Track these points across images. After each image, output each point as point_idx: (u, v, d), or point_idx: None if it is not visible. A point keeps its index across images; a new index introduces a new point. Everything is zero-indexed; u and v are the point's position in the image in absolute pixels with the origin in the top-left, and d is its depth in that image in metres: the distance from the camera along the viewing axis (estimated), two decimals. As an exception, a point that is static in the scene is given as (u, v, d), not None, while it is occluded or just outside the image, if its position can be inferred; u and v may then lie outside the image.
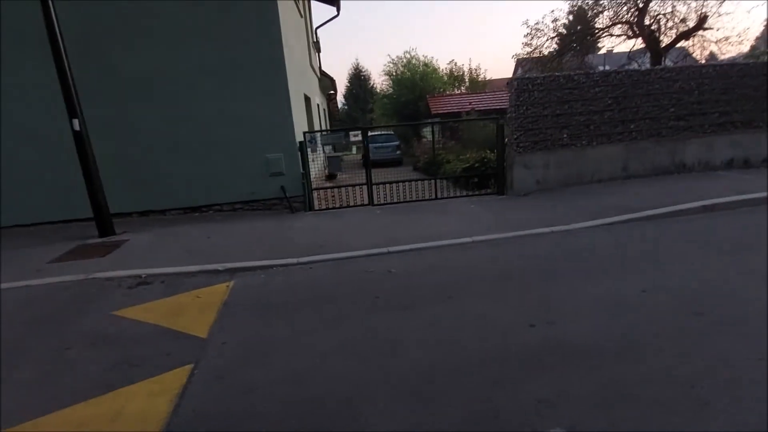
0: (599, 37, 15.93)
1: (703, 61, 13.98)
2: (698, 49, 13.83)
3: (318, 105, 14.17)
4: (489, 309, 3.41)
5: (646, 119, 7.60)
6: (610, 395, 2.32)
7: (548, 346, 2.82)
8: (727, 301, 3.24)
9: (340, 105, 46.79)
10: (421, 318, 3.36)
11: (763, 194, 5.95)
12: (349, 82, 44.23)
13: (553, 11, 18.75)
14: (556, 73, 7.32)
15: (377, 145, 17.59)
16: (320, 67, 15.82)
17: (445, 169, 10.48)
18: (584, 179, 7.62)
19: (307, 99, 10.49)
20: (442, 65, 27.81)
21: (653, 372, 2.48)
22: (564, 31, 15.25)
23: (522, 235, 5.23)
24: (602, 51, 25.98)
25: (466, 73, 23.30)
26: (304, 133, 7.21)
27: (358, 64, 42.66)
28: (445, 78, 22.48)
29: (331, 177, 13.41)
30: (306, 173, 7.19)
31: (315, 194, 7.60)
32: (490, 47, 76.35)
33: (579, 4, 13.30)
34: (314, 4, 13.74)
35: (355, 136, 7.10)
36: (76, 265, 5.06)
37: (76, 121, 5.78)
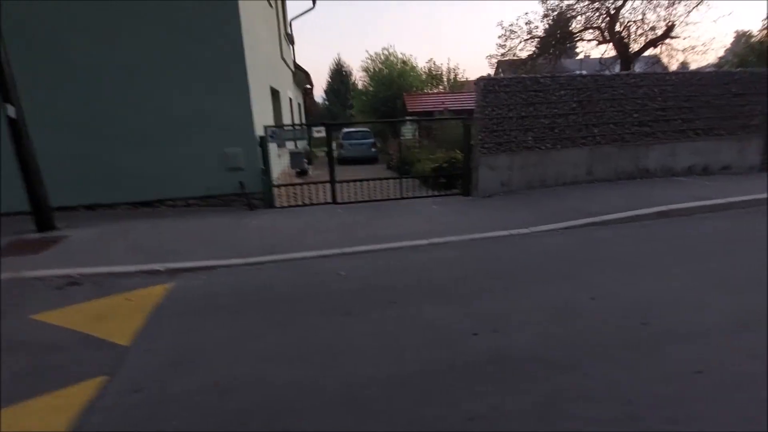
0: (572, 42, 16.15)
1: (674, 69, 14.37)
2: (666, 56, 14.21)
3: (291, 99, 13.83)
4: (434, 315, 3.27)
5: (610, 124, 7.65)
6: (545, 411, 2.21)
7: (489, 356, 2.70)
8: (674, 310, 3.20)
9: (320, 100, 46.36)
10: (363, 324, 3.20)
11: (718, 200, 6.05)
12: (330, 77, 43.72)
13: (527, 13, 18.95)
14: (522, 75, 7.27)
15: (352, 141, 17.34)
16: (294, 61, 15.46)
17: (417, 169, 10.38)
18: (548, 182, 7.62)
19: (276, 92, 10.18)
20: (421, 63, 27.84)
21: (591, 386, 2.39)
22: (542, 34, 15.35)
23: (480, 237, 5.14)
24: (580, 56, 26.47)
25: (444, 73, 23.30)
26: (266, 127, 6.92)
27: (339, 60, 42.16)
28: (423, 76, 22.40)
29: (302, 173, 13.12)
30: (266, 169, 6.91)
31: (277, 191, 7.33)
32: (471, 47, 76.94)
33: (554, 5, 13.41)
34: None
35: (318, 132, 6.83)
36: (5, 263, 4.67)
37: (11, 108, 5.35)
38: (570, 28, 14.52)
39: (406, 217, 6.28)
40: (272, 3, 10.15)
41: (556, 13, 14.16)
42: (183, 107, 6.53)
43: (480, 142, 7.19)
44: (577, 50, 23.70)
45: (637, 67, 14.20)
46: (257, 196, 7.02)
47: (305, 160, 14.32)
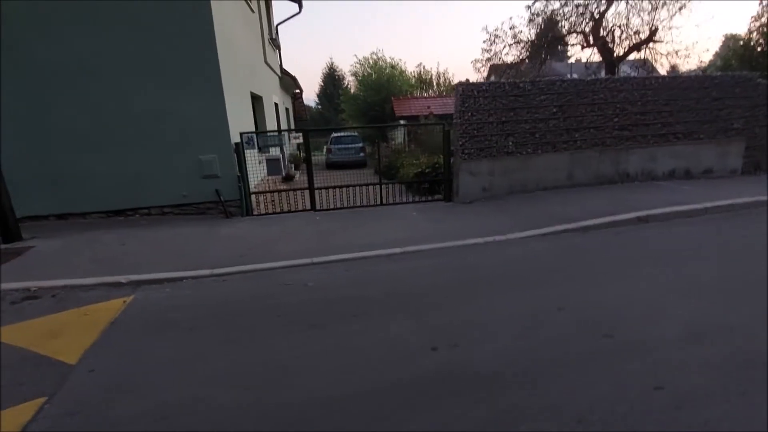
0: (563, 46, 16.21)
1: (664, 73, 14.45)
2: (654, 60, 14.27)
3: (276, 104, 13.71)
4: (396, 329, 3.17)
5: (590, 128, 7.62)
6: (494, 429, 2.11)
7: (445, 373, 2.61)
8: (640, 321, 3.12)
9: (313, 104, 46.30)
10: (323, 339, 3.09)
11: (696, 206, 6.02)
12: (323, 81, 43.70)
13: (511, 18, 19.05)
14: (501, 80, 7.23)
15: (340, 146, 17.27)
16: (281, 65, 15.36)
17: (401, 174, 10.30)
18: (529, 187, 7.57)
19: (258, 98, 10.07)
20: (411, 68, 27.85)
21: (546, 403, 2.30)
22: (531, 38, 15.34)
23: (455, 245, 5.05)
24: (571, 59, 26.63)
25: (434, 77, 23.32)
26: (242, 134, 6.80)
27: (332, 64, 42.13)
28: (413, 81, 22.40)
29: (288, 179, 12.99)
30: (242, 176, 6.79)
31: (255, 198, 7.21)
32: (463, 52, 77.36)
33: (539, 10, 13.43)
34: (276, 3, 13.30)
35: (295, 138, 6.71)
36: (-39, 276, 4.51)
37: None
38: (561, 32, 14.54)
39: (384, 224, 6.19)
40: (253, 8, 10.05)
41: (545, 17, 14.17)
42: (155, 114, 6.40)
43: (460, 148, 7.13)
44: (569, 54, 23.82)
45: (624, 71, 14.27)
46: (234, 204, 6.90)
47: (291, 166, 14.25)
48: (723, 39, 21.81)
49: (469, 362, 2.71)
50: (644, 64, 14.11)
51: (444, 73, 23.29)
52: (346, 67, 52.57)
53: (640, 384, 2.43)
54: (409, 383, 2.53)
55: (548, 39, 14.47)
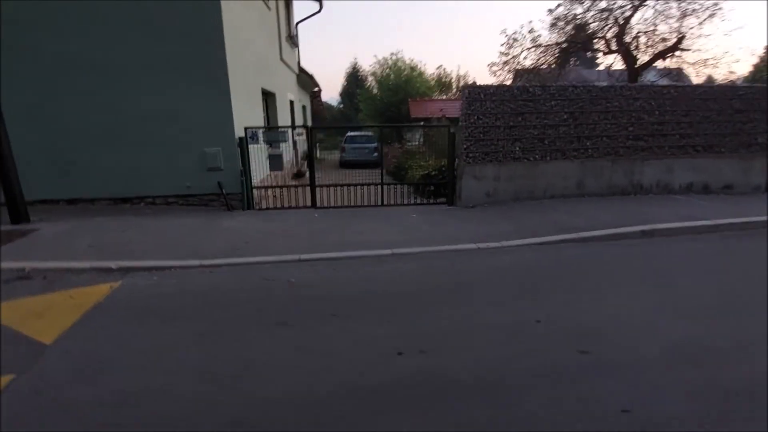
0: (586, 52, 15.73)
1: (699, 83, 13.81)
2: (684, 70, 13.68)
3: (291, 102, 13.84)
4: (367, 332, 3.12)
5: (603, 137, 7.38)
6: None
7: (408, 380, 2.54)
8: (620, 338, 2.98)
9: (335, 103, 46.65)
10: (294, 338, 3.07)
11: (705, 222, 5.74)
12: (346, 80, 44.07)
13: (531, 21, 18.55)
14: (510, 84, 7.07)
15: (354, 145, 17.33)
16: (299, 63, 15.50)
17: (409, 176, 10.25)
18: (536, 194, 7.38)
19: (270, 94, 10.18)
20: (432, 69, 27.65)
21: (505, 419, 2.21)
22: (550, 42, 14.91)
23: (446, 250, 4.96)
24: (601, 67, 25.87)
25: (454, 80, 23.11)
26: (246, 128, 6.88)
27: (356, 63, 42.37)
28: (432, 83, 22.26)
29: (299, 175, 13.09)
30: (245, 170, 6.86)
31: (258, 193, 7.28)
32: (487, 55, 76.47)
33: (561, 14, 13.05)
34: (298, 3, 13.42)
35: (299, 135, 6.75)
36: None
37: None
38: (582, 37, 14.11)
39: (381, 225, 6.14)
40: (270, 5, 10.16)
41: (571, 23, 13.75)
42: (162, 108, 6.53)
43: (465, 151, 7.01)
44: (598, 61, 23.11)
45: (649, 80, 13.75)
46: (236, 197, 6.98)
47: (304, 162, 14.33)
48: (766, 51, 20.78)
49: (434, 370, 2.64)
50: (670, 72, 13.57)
51: (464, 76, 23.06)
52: (370, 67, 52.74)
53: (607, 404, 2.31)
54: (369, 388, 2.48)
55: (577, 46, 14.05)
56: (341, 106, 44.79)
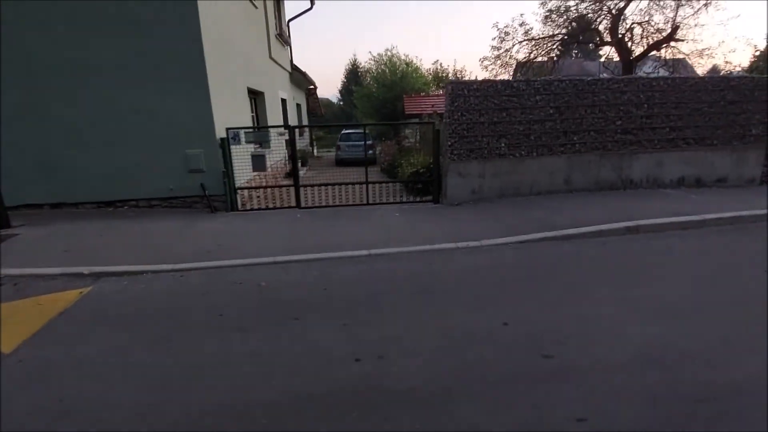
0: (587, 44, 15.51)
1: (703, 74, 13.58)
2: (692, 58, 13.42)
3: (284, 100, 13.76)
4: (328, 336, 3.06)
5: (590, 131, 7.25)
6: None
7: (362, 386, 2.48)
8: (587, 341, 2.90)
9: (335, 100, 46.47)
10: (250, 343, 3.01)
11: (693, 217, 5.62)
12: (345, 77, 43.89)
13: (522, 14, 18.25)
14: (494, 79, 6.96)
15: (349, 143, 17.23)
16: (291, 61, 15.40)
17: (400, 173, 10.15)
18: (522, 191, 7.27)
19: (258, 93, 10.10)
20: (427, 65, 27.37)
21: (454, 424, 2.14)
22: (542, 34, 14.69)
23: (424, 250, 4.88)
24: (603, 59, 25.58)
25: (451, 75, 22.88)
26: (227, 129, 6.81)
27: (355, 60, 42.15)
28: (429, 78, 22.07)
29: (291, 174, 13.02)
30: (228, 171, 6.80)
31: (242, 194, 7.22)
32: (483, 50, 75.84)
33: (554, 6, 12.83)
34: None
35: (282, 135, 6.70)
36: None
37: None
38: (575, 30, 13.90)
39: (362, 224, 6.07)
40: (257, 4, 10.06)
41: (564, 15, 13.54)
42: (142, 109, 6.48)
43: (449, 148, 6.92)
44: (601, 53, 22.82)
45: (645, 72, 13.54)
46: (219, 199, 6.93)
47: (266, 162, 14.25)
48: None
49: (389, 377, 2.57)
50: (667, 63, 13.33)
51: (461, 71, 22.84)
52: (366, 64, 52.51)
53: (563, 412, 2.24)
54: (322, 394, 2.42)
55: (575, 39, 13.82)
56: (341, 103, 44.64)
